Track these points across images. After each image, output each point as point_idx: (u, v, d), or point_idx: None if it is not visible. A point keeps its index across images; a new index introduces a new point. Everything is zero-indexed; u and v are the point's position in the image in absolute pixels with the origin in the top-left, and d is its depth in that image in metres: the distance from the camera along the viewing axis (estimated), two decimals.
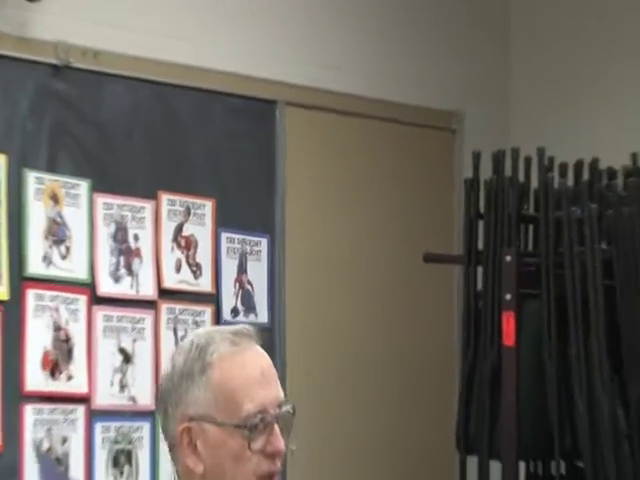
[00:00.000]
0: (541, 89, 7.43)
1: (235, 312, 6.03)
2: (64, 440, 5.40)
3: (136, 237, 5.71)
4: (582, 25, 7.38)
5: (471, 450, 6.26)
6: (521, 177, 6.28)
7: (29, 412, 5.31)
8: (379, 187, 6.74)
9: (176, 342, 5.86)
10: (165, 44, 5.82)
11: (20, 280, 5.32)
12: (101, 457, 5.50)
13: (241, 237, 6.11)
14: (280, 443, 3.05)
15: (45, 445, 5.34)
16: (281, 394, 3.11)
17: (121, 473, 5.56)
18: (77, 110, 5.50)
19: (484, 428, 6.18)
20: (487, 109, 7.28)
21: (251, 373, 3.08)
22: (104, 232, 5.59)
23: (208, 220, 5.98)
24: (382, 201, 6.74)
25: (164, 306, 5.83)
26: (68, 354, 5.43)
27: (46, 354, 5.36)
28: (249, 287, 6.11)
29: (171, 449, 3.14)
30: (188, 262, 5.89)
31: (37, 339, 5.35)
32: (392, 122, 6.79)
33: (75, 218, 5.47)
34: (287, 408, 3.11)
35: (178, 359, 3.11)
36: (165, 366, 3.14)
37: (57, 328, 5.40)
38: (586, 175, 6.24)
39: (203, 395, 3.06)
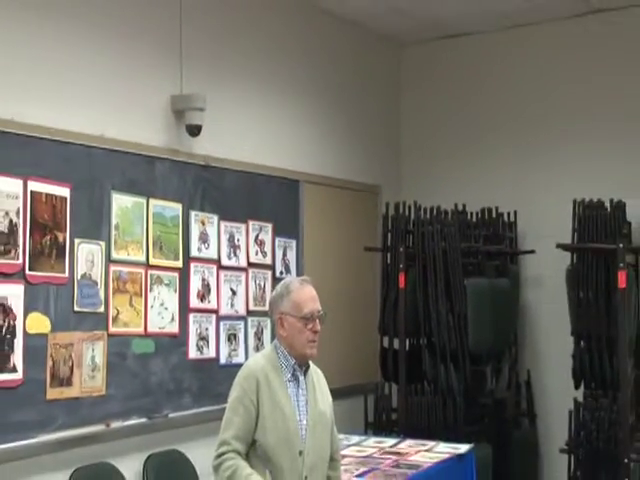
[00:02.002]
0: (416, 174, 7.34)
1: (281, 272, 5.97)
2: (206, 329, 5.40)
3: (238, 240, 5.66)
4: (449, 137, 7.27)
5: (384, 333, 6.38)
6: (407, 214, 6.38)
7: (191, 317, 5.30)
8: (344, 221, 6.69)
9: (255, 286, 5.76)
10: (250, 154, 5.79)
11: (187, 258, 5.27)
12: (222, 337, 5.52)
13: (284, 240, 6.05)
14: (318, 327, 3.36)
15: (196, 329, 5.31)
16: (320, 307, 3.37)
17: (231, 344, 5.57)
18: (212, 184, 5.48)
19: (391, 323, 6.26)
20: (392, 183, 7.26)
21: (307, 296, 3.36)
22: (224, 238, 5.56)
23: (270, 232, 5.92)
24: (346, 226, 6.70)
25: (250, 270, 5.75)
26: (208, 291, 5.42)
27: (198, 291, 5.35)
28: (288, 262, 6.08)
29: (274, 327, 3.42)
30: (261, 251, 5.85)
31: (194, 285, 5.32)
32: (350, 190, 6.79)
33: (212, 232, 5.47)
34: (322, 313, 3.38)
35: (276, 289, 3.43)
36: (271, 293, 3.47)
37: (203, 280, 5.39)
38: (435, 212, 6.28)
39: (287, 304, 3.35)
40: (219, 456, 3.32)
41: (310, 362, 3.48)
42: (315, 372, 3.52)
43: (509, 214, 6.77)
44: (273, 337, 5.60)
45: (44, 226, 4.40)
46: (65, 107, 4.62)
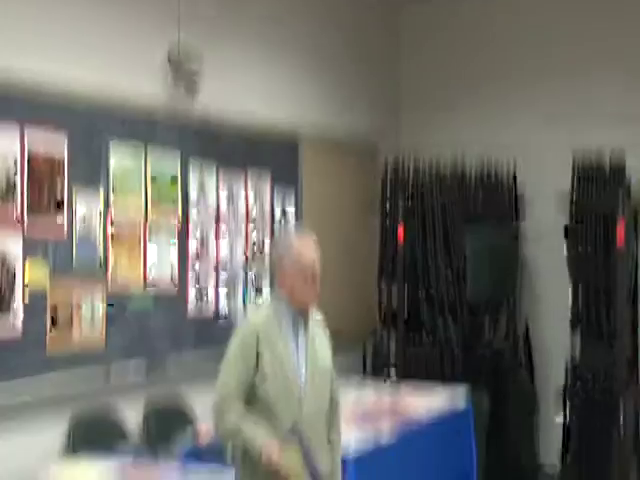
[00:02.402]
0: (415, 129, 7.27)
1: (280, 221, 5.97)
2: (205, 280, 5.36)
3: (236, 189, 5.64)
4: (448, 93, 7.23)
5: (385, 278, 6.42)
6: (405, 169, 6.44)
7: (190, 268, 5.26)
8: (343, 177, 6.67)
9: (254, 237, 5.72)
10: (249, 110, 5.74)
11: (186, 210, 5.25)
12: (221, 287, 5.51)
13: (283, 188, 6.04)
14: (318, 279, 3.35)
15: (197, 286, 5.34)
16: (319, 259, 3.35)
17: (230, 294, 5.56)
18: (211, 138, 5.45)
19: (390, 270, 6.34)
20: (391, 138, 7.21)
21: (307, 250, 3.33)
22: (222, 186, 5.54)
23: (268, 180, 5.89)
24: (345, 182, 6.67)
25: (249, 221, 5.72)
26: (207, 242, 5.39)
27: (197, 242, 5.31)
28: (287, 210, 6.05)
29: (275, 279, 3.42)
30: (260, 202, 5.82)
31: (193, 236, 5.29)
32: (349, 145, 6.76)
33: (209, 180, 5.44)
34: (321, 265, 3.35)
35: (278, 243, 3.45)
36: (271, 245, 3.53)
37: (202, 231, 5.36)
38: (433, 167, 6.33)
39: (287, 257, 3.32)
40: (219, 404, 3.32)
41: (310, 312, 3.47)
42: (315, 322, 3.52)
43: (508, 166, 6.72)
44: (272, 288, 5.75)
45: (42, 176, 4.37)
46: (64, 58, 4.58)
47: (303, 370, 3.36)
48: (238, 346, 3.34)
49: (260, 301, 5.73)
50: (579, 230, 5.69)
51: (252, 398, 3.33)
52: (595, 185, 5.73)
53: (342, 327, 6.09)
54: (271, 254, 3.49)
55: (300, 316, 3.41)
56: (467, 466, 5.19)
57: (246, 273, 5.72)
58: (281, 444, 3.23)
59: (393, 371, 6.34)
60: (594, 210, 5.65)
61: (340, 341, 3.64)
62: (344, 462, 3.71)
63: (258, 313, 3.45)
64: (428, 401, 5.35)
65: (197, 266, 5.37)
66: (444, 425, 5.06)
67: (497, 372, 6.35)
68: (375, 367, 6.41)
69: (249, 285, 5.78)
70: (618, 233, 5.07)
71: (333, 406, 3.57)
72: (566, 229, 5.70)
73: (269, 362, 3.30)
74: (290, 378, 3.32)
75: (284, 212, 6.08)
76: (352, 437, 4.44)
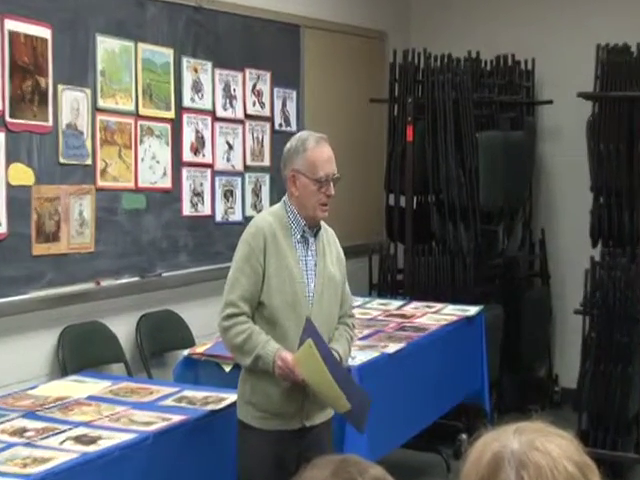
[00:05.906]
0: (426, 18, 7.18)
1: (280, 125, 5.92)
2: (201, 184, 5.35)
3: (234, 90, 5.58)
4: None
5: (390, 190, 6.36)
6: (416, 62, 6.30)
7: (184, 172, 5.26)
8: (348, 70, 6.60)
9: (253, 140, 5.70)
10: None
11: (180, 109, 5.21)
12: (218, 193, 5.50)
13: (283, 90, 5.97)
14: (332, 191, 3.32)
15: (190, 184, 5.30)
16: (336, 169, 3.33)
17: (227, 201, 5.57)
18: (205, 28, 5.37)
19: (397, 179, 6.24)
20: (400, 28, 7.10)
21: (324, 157, 3.31)
22: (218, 87, 5.48)
23: (268, 82, 5.83)
24: (350, 76, 6.60)
25: (247, 122, 5.68)
26: (202, 144, 5.37)
27: (192, 143, 5.30)
28: (287, 114, 6.00)
29: (285, 184, 3.37)
30: (259, 101, 5.77)
31: (187, 137, 5.27)
32: (355, 36, 6.66)
33: (205, 80, 5.38)
34: (337, 176, 3.33)
35: (291, 143, 3.35)
36: (285, 146, 3.40)
37: (197, 132, 5.33)
38: (446, 60, 6.18)
39: (301, 162, 3.29)
40: (228, 318, 3.32)
41: (321, 226, 3.46)
42: (325, 232, 3.50)
43: (526, 61, 6.67)
44: (272, 194, 5.78)
45: (24, 70, 4.32)
46: None
47: (312, 285, 3.35)
48: (245, 256, 3.32)
49: (259, 208, 5.73)
50: (601, 124, 5.57)
51: (259, 315, 3.34)
52: (620, 76, 5.59)
53: (346, 238, 6.11)
54: (283, 157, 3.41)
55: (310, 228, 3.39)
56: (479, 377, 5.23)
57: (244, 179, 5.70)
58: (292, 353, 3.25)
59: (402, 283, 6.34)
60: (618, 103, 5.53)
61: (344, 253, 3.63)
62: (349, 370, 3.76)
63: (265, 217, 3.41)
64: (438, 310, 5.40)
65: (192, 169, 5.34)
66: (454, 335, 5.08)
67: (511, 282, 6.37)
68: (382, 279, 6.40)
69: (247, 190, 5.75)
70: None
71: (342, 328, 3.55)
72: (588, 124, 5.62)
73: (276, 274, 3.30)
74: (298, 293, 3.32)
75: (285, 111, 6.00)
76: (357, 346, 4.48)
